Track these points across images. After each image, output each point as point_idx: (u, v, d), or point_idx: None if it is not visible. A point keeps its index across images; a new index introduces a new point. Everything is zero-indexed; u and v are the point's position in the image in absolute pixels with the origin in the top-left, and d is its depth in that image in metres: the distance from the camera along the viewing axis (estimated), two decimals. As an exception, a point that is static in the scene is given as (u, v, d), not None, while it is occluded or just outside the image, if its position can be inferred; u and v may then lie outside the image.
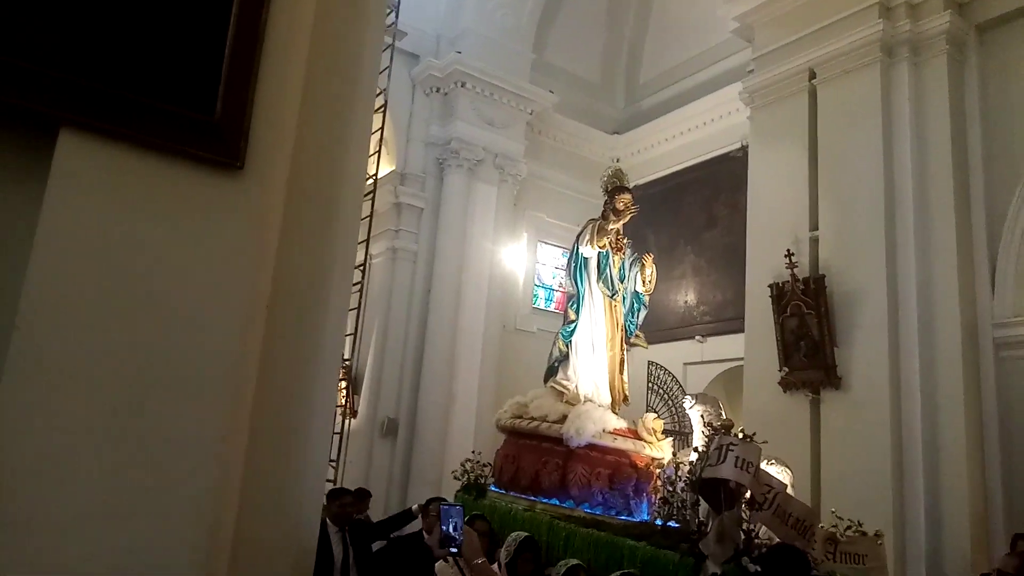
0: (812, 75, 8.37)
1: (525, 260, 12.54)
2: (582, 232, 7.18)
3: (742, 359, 8.93)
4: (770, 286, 7.92)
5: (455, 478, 7.43)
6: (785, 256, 7.72)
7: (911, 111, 7.58)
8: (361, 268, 10.29)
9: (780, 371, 7.78)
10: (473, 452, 7.48)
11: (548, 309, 13.02)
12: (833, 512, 5.80)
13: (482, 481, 7.15)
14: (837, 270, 7.61)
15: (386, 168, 11.72)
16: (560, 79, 13.34)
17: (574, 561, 4.13)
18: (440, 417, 10.50)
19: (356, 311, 10.37)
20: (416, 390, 10.74)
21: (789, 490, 5.46)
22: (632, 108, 14.13)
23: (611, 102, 14.21)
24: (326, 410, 1.88)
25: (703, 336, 11.83)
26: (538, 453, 6.70)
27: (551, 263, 13.30)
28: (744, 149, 9.98)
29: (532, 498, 6.48)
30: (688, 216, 12.69)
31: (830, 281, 7.56)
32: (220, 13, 1.34)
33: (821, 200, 8.03)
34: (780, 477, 5.53)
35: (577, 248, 7.19)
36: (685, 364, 12.05)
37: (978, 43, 7.75)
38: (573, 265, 7.23)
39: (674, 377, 12.17)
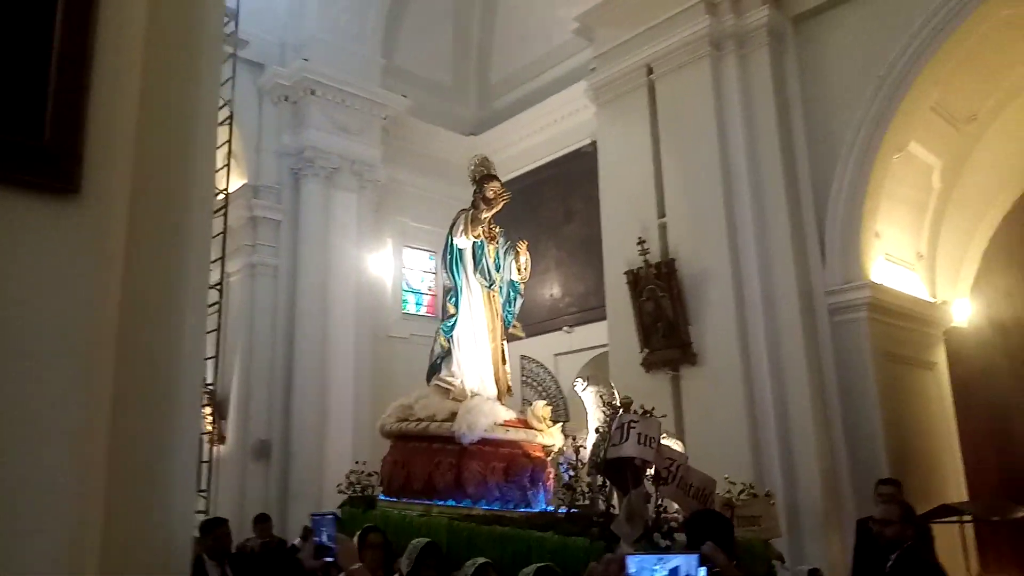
0: (650, 70, 8.81)
1: (392, 266, 12.45)
2: (455, 223, 6.98)
3: (608, 345, 9.29)
4: (626, 273, 8.29)
5: (339, 492, 7.13)
6: (637, 243, 8.10)
7: (740, 100, 8.14)
8: (218, 287, 9.88)
9: (641, 352, 8.16)
10: (356, 462, 7.21)
11: (419, 313, 13.00)
12: (727, 478, 6.03)
13: (369, 492, 6.85)
14: (685, 253, 8.08)
15: (238, 182, 11.30)
16: (412, 83, 13.34)
17: (481, 560, 3.99)
18: (315, 433, 10.26)
19: (215, 332, 9.97)
20: (288, 408, 10.43)
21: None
22: (486, 109, 14.35)
23: (465, 104, 14.37)
24: (189, 440, 1.81)
25: (570, 327, 12.21)
26: (429, 455, 6.41)
27: (419, 267, 13.29)
28: (595, 144, 10.37)
29: (427, 502, 6.19)
30: (547, 212, 13.04)
31: (680, 264, 8.01)
32: (42, 30, 1.29)
33: (666, 188, 8.49)
34: (677, 449, 5.53)
35: (451, 240, 6.96)
36: (556, 355, 12.39)
37: (795, 34, 8.44)
38: (448, 258, 6.97)
39: (546, 369, 12.50)
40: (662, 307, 8.04)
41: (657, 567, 1.38)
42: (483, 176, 7.19)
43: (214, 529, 5.35)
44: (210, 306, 10.08)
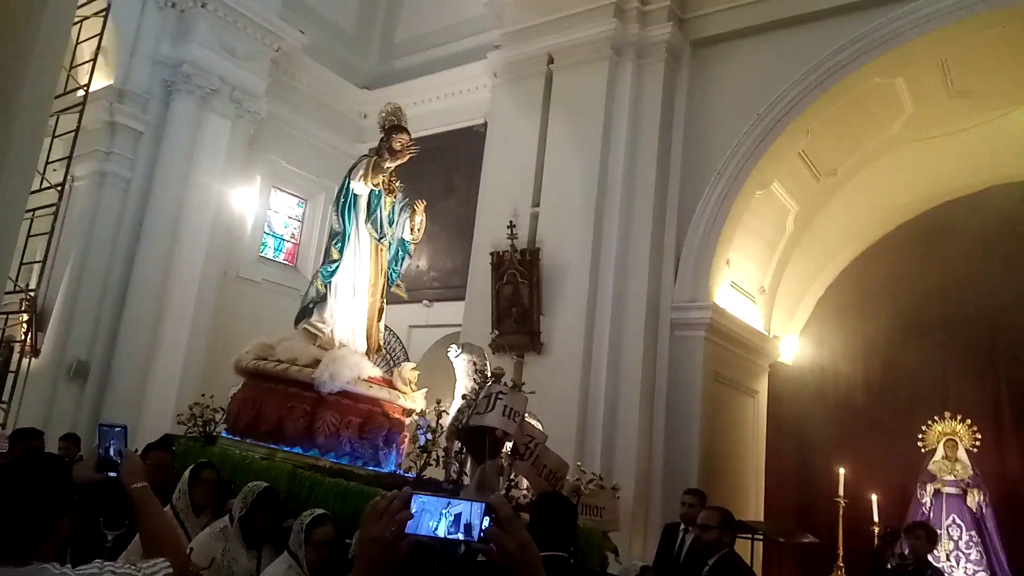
0: (551, 60, 8.88)
1: (256, 205, 11.90)
2: (355, 167, 6.70)
3: (462, 325, 9.29)
4: (491, 254, 8.33)
5: (179, 423, 6.65)
6: (507, 227, 8.15)
7: (629, 107, 8.36)
8: (59, 188, 9.10)
9: (492, 334, 8.23)
10: (203, 395, 6.67)
11: (277, 260, 12.52)
12: (579, 465, 6.11)
13: (211, 428, 6.40)
14: (551, 244, 8.21)
15: (103, 82, 10.45)
16: (313, 21, 12.80)
17: (319, 511, 3.88)
18: (140, 362, 9.63)
19: (47, 236, 9.19)
20: (115, 331, 9.73)
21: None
22: (385, 65, 13.97)
23: (364, 55, 13.92)
24: None
25: (430, 301, 12.12)
26: (283, 398, 6.10)
27: (284, 212, 12.79)
28: (486, 125, 10.34)
29: (272, 446, 5.91)
30: (428, 183, 12.82)
31: (544, 254, 8.13)
32: None
33: (544, 178, 8.59)
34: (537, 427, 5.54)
35: (348, 183, 6.66)
36: (411, 327, 12.27)
37: (691, 56, 8.75)
38: (342, 201, 6.68)
39: (398, 338, 12.36)
40: (520, 293, 8.13)
41: (444, 510, 1.32)
42: (392, 126, 6.94)
43: (29, 440, 4.81)
44: (46, 207, 9.27)
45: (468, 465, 5.09)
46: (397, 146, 6.77)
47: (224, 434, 6.38)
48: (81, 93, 9.57)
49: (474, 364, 5.86)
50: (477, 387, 5.29)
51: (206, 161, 10.61)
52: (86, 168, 10.16)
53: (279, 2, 11.81)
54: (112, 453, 2.56)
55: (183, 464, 4.87)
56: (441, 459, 5.43)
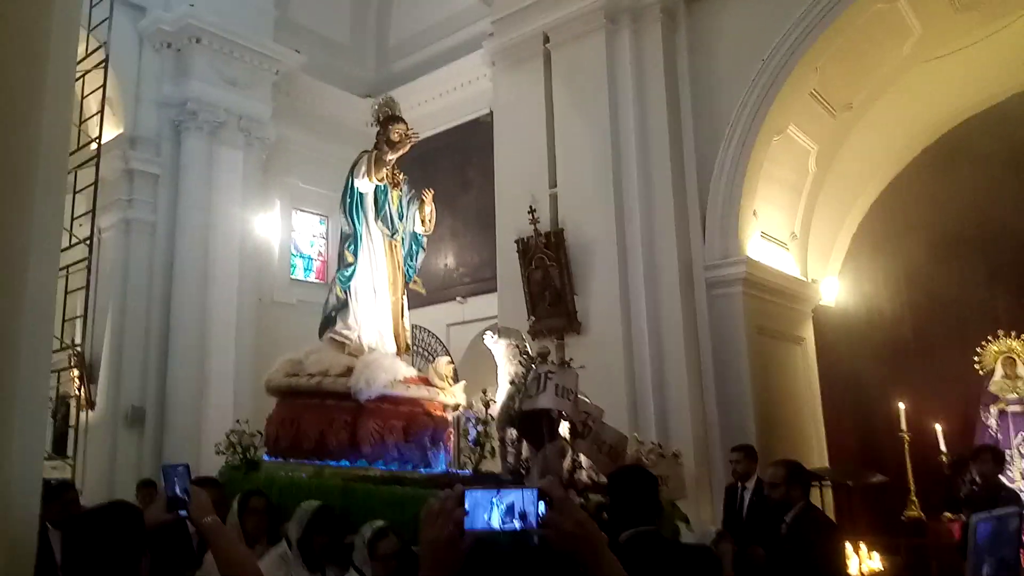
0: (546, 39, 8.80)
1: (280, 229, 12.03)
2: (356, 164, 6.55)
3: (498, 317, 9.30)
4: (516, 241, 8.32)
5: (218, 453, 6.52)
6: (528, 212, 8.13)
7: (632, 74, 8.26)
8: (87, 242, 9.27)
9: (528, 320, 8.23)
10: (237, 421, 6.59)
11: (308, 279, 12.65)
12: (636, 436, 6.03)
13: (252, 453, 6.26)
14: (574, 224, 8.17)
15: (113, 132, 10.63)
16: (307, 39, 12.84)
17: (379, 523, 3.75)
18: (193, 399, 9.82)
19: (84, 290, 9.38)
20: (164, 373, 9.93)
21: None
22: (384, 71, 13.99)
23: (362, 65, 13.96)
24: (35, 402, 1.65)
25: (463, 297, 12.16)
26: (322, 412, 5.95)
27: (308, 231, 12.91)
28: (492, 115, 10.29)
29: (318, 463, 5.74)
30: (443, 181, 12.80)
31: (568, 234, 8.10)
32: None
33: (558, 159, 8.54)
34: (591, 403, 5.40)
35: (352, 182, 6.53)
36: (448, 325, 12.33)
37: (687, 14, 8.60)
38: (348, 201, 6.55)
39: (438, 339, 12.42)
40: (550, 276, 8.12)
41: (495, 500, 1.33)
42: (388, 117, 6.83)
43: (61, 494, 4.91)
44: (78, 262, 9.47)
45: (525, 452, 4.94)
46: (395, 136, 6.62)
47: (266, 457, 6.24)
48: (94, 146, 9.73)
49: (516, 347, 5.70)
50: (524, 370, 5.14)
51: (225, 193, 10.75)
52: (111, 218, 10.36)
53: (271, 26, 11.89)
54: (179, 491, 2.60)
55: (230, 494, 4.75)
56: (496, 450, 5.31)
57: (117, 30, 10.61)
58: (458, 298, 12.19)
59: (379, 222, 6.58)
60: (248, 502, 4.30)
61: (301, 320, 11.52)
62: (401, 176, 6.84)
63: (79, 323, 9.87)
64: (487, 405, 5.73)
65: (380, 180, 6.53)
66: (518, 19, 9.00)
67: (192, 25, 10.74)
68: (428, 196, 6.79)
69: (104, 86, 9.97)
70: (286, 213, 12.28)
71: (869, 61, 8.63)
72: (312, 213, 12.88)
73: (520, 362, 5.44)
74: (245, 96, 11.29)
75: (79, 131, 9.87)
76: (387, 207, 6.59)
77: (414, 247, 6.87)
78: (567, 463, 5.04)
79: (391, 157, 6.62)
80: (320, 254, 12.96)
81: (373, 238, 6.57)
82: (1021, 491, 7.90)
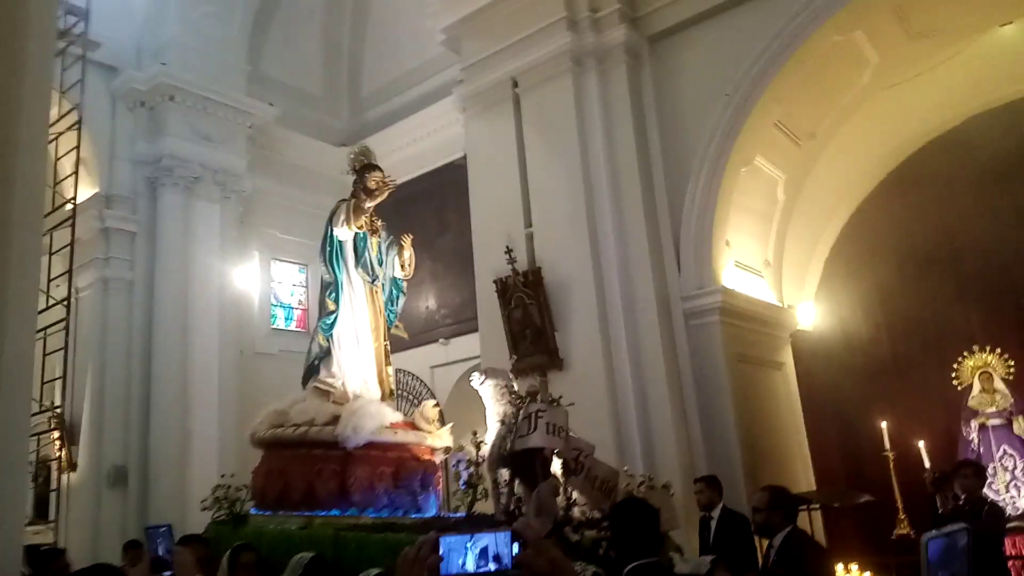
0: (515, 83, 8.99)
1: (259, 280, 12.05)
2: (335, 213, 6.61)
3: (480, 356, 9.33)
4: (495, 282, 8.38)
5: (203, 508, 6.45)
6: (505, 252, 8.22)
7: (600, 114, 8.43)
8: (65, 303, 9.23)
9: (511, 359, 8.26)
10: (223, 476, 6.58)
11: (289, 328, 12.64)
12: (626, 470, 6.01)
13: (239, 507, 6.23)
14: (550, 262, 8.25)
15: (88, 191, 10.65)
16: (280, 91, 13.01)
17: (376, 571, 3.71)
18: (176, 456, 9.72)
19: (63, 351, 9.32)
20: (146, 431, 9.83)
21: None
22: (358, 120, 14.17)
23: (336, 114, 14.14)
24: (15, 467, 1.66)
25: (446, 339, 12.18)
26: (309, 462, 5.92)
27: (288, 280, 12.92)
28: (467, 158, 10.44)
29: (307, 513, 5.72)
30: (421, 225, 12.93)
31: (546, 272, 8.17)
32: None
33: (532, 199, 8.66)
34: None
35: (330, 231, 6.59)
36: (432, 367, 12.34)
37: (651, 53, 8.82)
38: (328, 250, 6.61)
39: (421, 381, 12.41)
40: (530, 314, 8.18)
41: (468, 544, 1.37)
42: (364, 166, 6.91)
43: (50, 563, 4.82)
44: (56, 323, 9.41)
45: (518, 492, 4.94)
46: (372, 184, 6.71)
47: (253, 511, 6.20)
48: (69, 207, 9.75)
49: (504, 387, 5.73)
50: (513, 409, 5.17)
51: (202, 247, 10.78)
52: (88, 278, 10.34)
53: (244, 80, 12.04)
54: (162, 552, 2.60)
55: (218, 550, 4.73)
56: (488, 492, 5.27)
57: (90, 91, 10.70)
58: (441, 340, 12.22)
59: (359, 269, 6.66)
60: (238, 557, 4.28)
61: (283, 369, 11.48)
62: (379, 223, 6.91)
63: (58, 384, 9.80)
64: (478, 447, 5.71)
65: (360, 228, 6.59)
66: (486, 66, 9.19)
67: (165, 83, 10.88)
68: (407, 241, 6.89)
69: (78, 147, 10.04)
70: (265, 264, 12.32)
71: (830, 91, 8.89)
72: (291, 262, 12.91)
73: (509, 401, 5.48)
74: (220, 150, 11.39)
75: (54, 192, 9.91)
76: (367, 254, 6.67)
77: (394, 292, 6.92)
78: (561, 500, 5.04)
79: (369, 205, 6.70)
80: (300, 303, 12.96)
81: (354, 285, 6.62)
82: (1006, 504, 7.99)
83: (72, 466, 9.71)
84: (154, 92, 10.97)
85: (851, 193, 9.98)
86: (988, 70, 9.08)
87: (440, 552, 1.35)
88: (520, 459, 4.77)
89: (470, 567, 1.34)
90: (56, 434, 9.82)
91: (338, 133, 13.82)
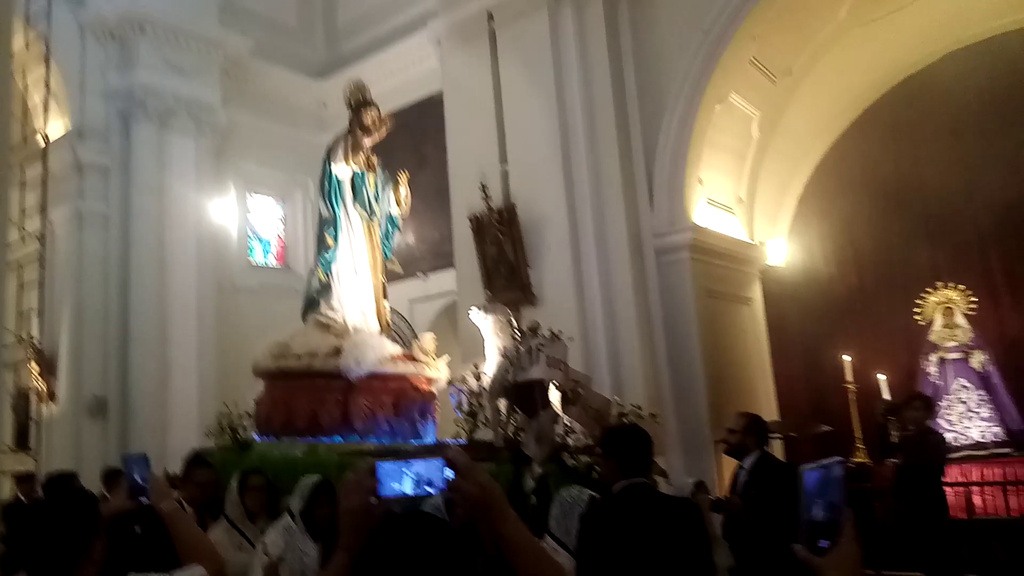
0: (491, 17, 8.87)
1: (236, 214, 12.01)
2: (332, 149, 6.65)
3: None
4: (469, 218, 8.45)
5: (207, 436, 6.68)
6: (480, 189, 8.27)
7: (576, 50, 8.39)
8: (40, 237, 9.24)
9: (485, 294, 8.41)
10: (225, 404, 6.62)
11: (268, 264, 12.67)
12: (616, 399, 6.16)
13: (242, 433, 6.32)
14: (525, 199, 8.32)
15: (60, 125, 10.52)
16: (254, 22, 12.70)
17: (315, 477, 3.89)
18: (156, 388, 9.84)
19: (39, 285, 9.37)
20: (125, 363, 9.92)
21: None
22: (335, 51, 13.88)
23: (311, 45, 13.84)
24: None
25: (425, 273, 12.27)
26: (313, 391, 6.15)
27: (266, 214, 12.89)
28: (444, 92, 10.34)
29: (311, 440, 5.93)
30: (401, 160, 12.71)
31: (520, 210, 8.25)
32: None
33: (508, 135, 8.66)
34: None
35: (329, 168, 6.64)
36: (411, 301, 12.46)
37: (627, -11, 8.72)
38: (326, 186, 6.68)
39: (401, 316, 12.56)
40: (504, 251, 8.29)
41: (405, 470, 1.48)
42: (359, 102, 6.90)
43: (67, 484, 4.91)
44: (31, 257, 9.45)
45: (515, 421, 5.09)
46: (368, 121, 6.74)
47: (256, 438, 6.38)
48: (40, 139, 9.65)
49: (504, 322, 5.95)
50: (515, 342, 5.36)
51: (178, 181, 10.70)
52: (63, 212, 10.29)
53: (216, 11, 11.75)
54: (139, 479, 2.72)
55: (225, 475, 4.80)
56: (488, 420, 5.44)
57: (58, 22, 10.47)
58: (419, 274, 12.30)
59: (357, 206, 6.70)
60: (248, 480, 4.40)
61: (263, 304, 11.57)
62: (375, 159, 6.93)
63: (35, 317, 9.88)
64: (478, 378, 5.90)
65: (357, 165, 6.61)
66: (461, -2, 9.06)
67: (135, 14, 10.60)
68: (403, 179, 6.93)
69: (47, 79, 9.87)
70: (241, 198, 12.25)
71: (806, 27, 8.84)
72: (268, 196, 12.86)
73: (510, 335, 5.70)
74: (193, 83, 11.19)
75: (23, 126, 9.79)
76: (364, 191, 6.70)
77: (389, 228, 7.02)
78: (559, 428, 5.23)
79: (366, 142, 6.70)
80: (279, 236, 12.97)
81: (352, 222, 6.71)
82: (959, 433, 8.34)
83: (52, 397, 9.85)
84: (124, 23, 10.70)
85: (826, 130, 10.02)
86: (962, 7, 9.03)
87: (377, 477, 1.46)
88: (520, 389, 4.97)
89: (408, 491, 1.46)
90: (35, 366, 9.93)
91: (314, 65, 13.57)
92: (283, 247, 12.92)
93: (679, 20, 8.32)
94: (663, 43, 8.42)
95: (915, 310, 8.96)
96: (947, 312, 8.87)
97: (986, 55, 9.13)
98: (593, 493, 3.27)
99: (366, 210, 6.71)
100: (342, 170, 6.61)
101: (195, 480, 4.54)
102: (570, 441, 5.28)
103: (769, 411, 8.92)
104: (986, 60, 9.09)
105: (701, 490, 4.81)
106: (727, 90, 8.49)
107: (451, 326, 11.78)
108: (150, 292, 10.10)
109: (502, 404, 5.33)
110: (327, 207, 6.74)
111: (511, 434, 5.12)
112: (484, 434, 5.68)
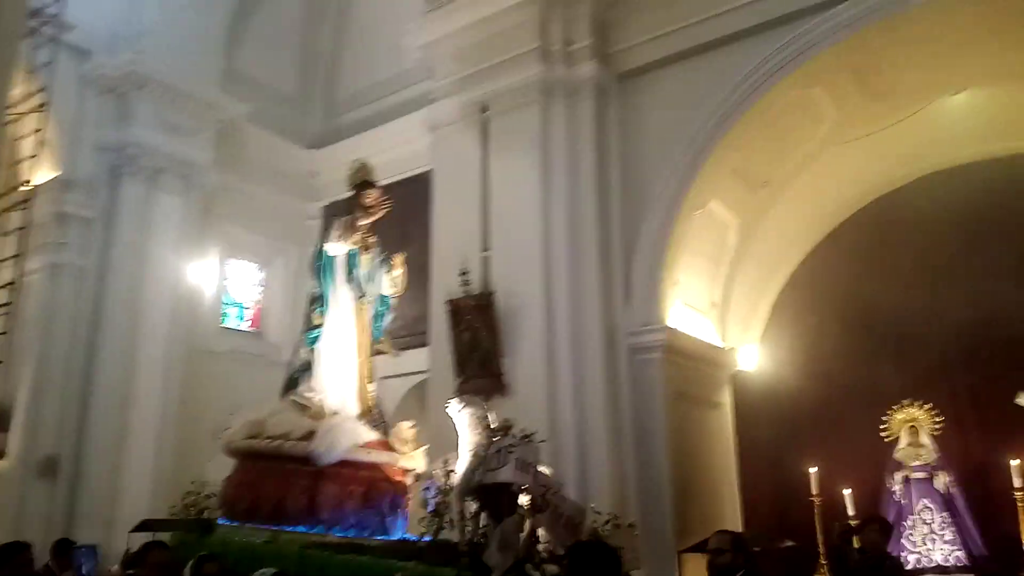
0: (484, 108, 9.12)
1: (214, 277, 11.96)
2: (330, 229, 6.77)
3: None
4: (447, 302, 8.48)
5: (172, 515, 6.50)
6: (460, 275, 8.33)
7: (564, 145, 8.61)
8: (10, 287, 9.09)
9: (456, 380, 8.36)
10: (192, 483, 6.57)
11: (241, 328, 12.56)
12: (593, 507, 6.06)
13: (207, 515, 6.22)
14: (504, 287, 8.38)
15: (48, 174, 10.52)
16: (254, 89, 12.96)
17: (271, 570, 3.74)
18: (112, 451, 9.55)
19: (4, 335, 9.17)
20: (83, 423, 9.65)
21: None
22: (331, 123, 14.14)
23: (309, 116, 14.11)
24: None
25: (398, 350, 12.19)
26: (282, 476, 5.97)
27: (245, 279, 12.84)
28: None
29: (275, 527, 5.72)
30: (385, 235, 12.92)
31: (499, 297, 8.30)
32: None
33: (492, 223, 8.79)
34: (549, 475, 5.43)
35: (322, 245, 6.72)
36: (382, 378, 12.32)
37: (618, 90, 9.04)
38: (318, 263, 6.72)
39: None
40: (479, 338, 8.29)
41: None
42: (363, 182, 7.03)
43: (13, 557, 4.71)
44: (1, 306, 9.27)
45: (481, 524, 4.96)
46: (369, 201, 6.87)
47: (221, 520, 6.19)
48: (24, 186, 9.62)
49: (479, 418, 5.71)
50: (486, 441, 5.23)
51: (160, 240, 10.70)
52: (39, 261, 10.19)
53: (218, 75, 11.99)
54: (85, 572, 2.64)
55: (183, 556, 4.66)
56: (454, 521, 5.32)
57: (59, 73, 10.60)
58: (392, 351, 12.23)
59: (349, 285, 6.69)
60: (202, 568, 4.27)
61: (232, 369, 11.42)
62: (372, 240, 6.98)
63: (-3, 368, 9.63)
64: (448, 475, 5.78)
65: (354, 244, 6.69)
66: (458, 87, 9.32)
67: (137, 71, 10.81)
68: (398, 260, 6.99)
69: (42, 129, 9.90)
70: (222, 260, 12.23)
71: (787, 142, 9.17)
72: (250, 260, 12.84)
73: (480, 434, 5.53)
74: (187, 143, 11.33)
75: (11, 172, 9.77)
76: (356, 270, 6.73)
77: (382, 309, 7.03)
78: (524, 536, 5.03)
79: (364, 222, 6.76)
80: (256, 302, 12.89)
81: (341, 300, 6.70)
82: (922, 555, 8.28)
83: (0, 453, 9.53)
84: (125, 79, 10.89)
85: (800, 243, 10.26)
86: (937, 134, 9.43)
87: None
88: (488, 491, 4.83)
89: None
90: (-13, 419, 9.64)
91: (309, 135, 13.81)
92: (259, 312, 12.83)
93: (666, 125, 8.60)
94: (649, 146, 8.67)
95: (881, 426, 9.01)
96: (912, 430, 8.92)
97: (958, 181, 9.47)
98: None
99: (357, 289, 6.69)
100: (336, 248, 6.65)
101: (150, 561, 4.40)
102: (538, 548, 5.09)
103: (734, 521, 8.84)
104: (958, 185, 9.42)
105: None
106: (707, 197, 8.72)
107: (420, 405, 11.67)
108: (118, 350, 9.95)
109: (470, 505, 5.18)
110: (317, 284, 6.75)
111: (475, 538, 4.96)
112: (451, 535, 5.49)
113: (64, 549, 6.96)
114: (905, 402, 8.97)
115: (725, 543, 4.47)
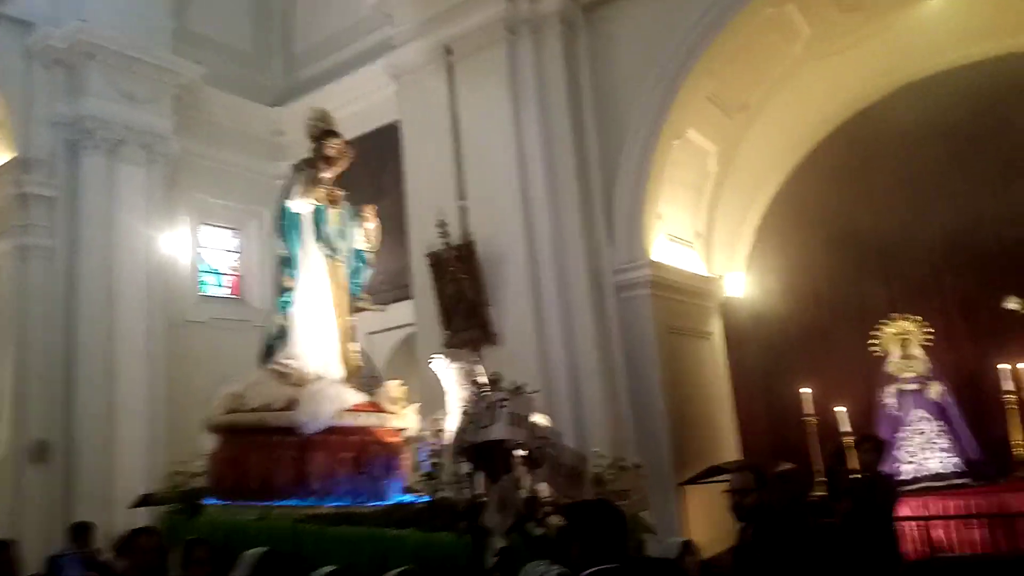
0: (449, 51, 8.79)
1: (188, 246, 11.70)
2: (289, 185, 6.30)
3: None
4: (427, 255, 8.32)
5: (160, 501, 6.26)
6: (437, 226, 8.14)
7: (534, 85, 8.34)
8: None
9: (444, 333, 8.26)
10: (179, 462, 6.40)
11: (221, 296, 12.35)
12: (596, 451, 5.98)
13: (195, 497, 5.92)
14: (484, 236, 8.22)
15: (4, 155, 10.16)
16: (209, 49, 12.46)
17: (327, 569, 3.49)
18: (103, 430, 9.42)
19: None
20: (69, 404, 9.50)
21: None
22: (292, 78, 13.67)
23: (268, 72, 13.62)
24: None
25: (383, 304, 12.06)
26: (266, 449, 5.67)
27: (219, 246, 12.59)
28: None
29: (265, 503, 5.45)
30: (359, 188, 12.54)
31: (479, 247, 8.14)
32: None
33: (466, 170, 8.57)
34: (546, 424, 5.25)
35: (284, 204, 6.27)
36: (369, 334, 12.22)
37: (586, 23, 8.72)
38: (282, 223, 6.28)
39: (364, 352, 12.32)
40: (463, 289, 8.16)
41: None
42: (322, 132, 6.56)
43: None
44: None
45: (479, 484, 4.75)
46: (332, 152, 6.40)
47: (208, 500, 5.95)
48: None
49: (467, 373, 5.47)
50: (476, 396, 4.98)
51: (127, 212, 10.39)
52: (5, 245, 9.92)
53: (169, 38, 11.51)
54: None
55: (172, 539, 4.58)
56: (450, 483, 5.11)
57: (2, 48, 10.14)
58: (378, 305, 12.09)
59: (319, 243, 6.32)
60: (192, 553, 4.10)
61: (215, 339, 11.25)
62: (339, 192, 6.53)
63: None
64: (438, 434, 5.56)
65: (317, 200, 6.24)
66: (419, 32, 8.99)
67: (84, 41, 10.31)
68: (370, 212, 6.58)
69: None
70: (194, 229, 11.94)
71: (762, 63, 8.94)
72: (223, 227, 12.56)
73: (471, 389, 5.28)
74: (145, 111, 10.91)
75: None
76: (324, 227, 6.31)
77: (358, 264, 6.66)
78: (524, 492, 4.80)
79: (327, 175, 6.35)
80: (233, 268, 12.66)
81: (312, 260, 6.33)
82: (919, 464, 8.38)
83: (-9, 441, 9.42)
84: (72, 50, 10.39)
85: (782, 164, 10.11)
86: (915, 41, 9.20)
87: None
88: (481, 450, 4.56)
89: None
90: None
91: (270, 92, 13.35)
92: (238, 278, 12.61)
93: (637, 55, 8.33)
94: (621, 78, 8.42)
95: (872, 342, 9.04)
96: (904, 343, 8.95)
97: (938, 89, 9.28)
98: (564, 570, 2.97)
99: (328, 247, 6.34)
100: (300, 205, 6.24)
101: (139, 546, 4.32)
102: (540, 502, 4.95)
103: (730, 448, 8.92)
104: (938, 94, 9.24)
105: (689, 551, 4.34)
106: (684, 126, 8.52)
107: (410, 359, 11.59)
108: (98, 328, 9.74)
109: (464, 466, 4.90)
110: (283, 245, 6.35)
111: (473, 499, 4.70)
112: (448, 494, 5.38)
113: (81, 531, 6.88)
114: (894, 316, 8.97)
115: (750, 482, 4.31)
